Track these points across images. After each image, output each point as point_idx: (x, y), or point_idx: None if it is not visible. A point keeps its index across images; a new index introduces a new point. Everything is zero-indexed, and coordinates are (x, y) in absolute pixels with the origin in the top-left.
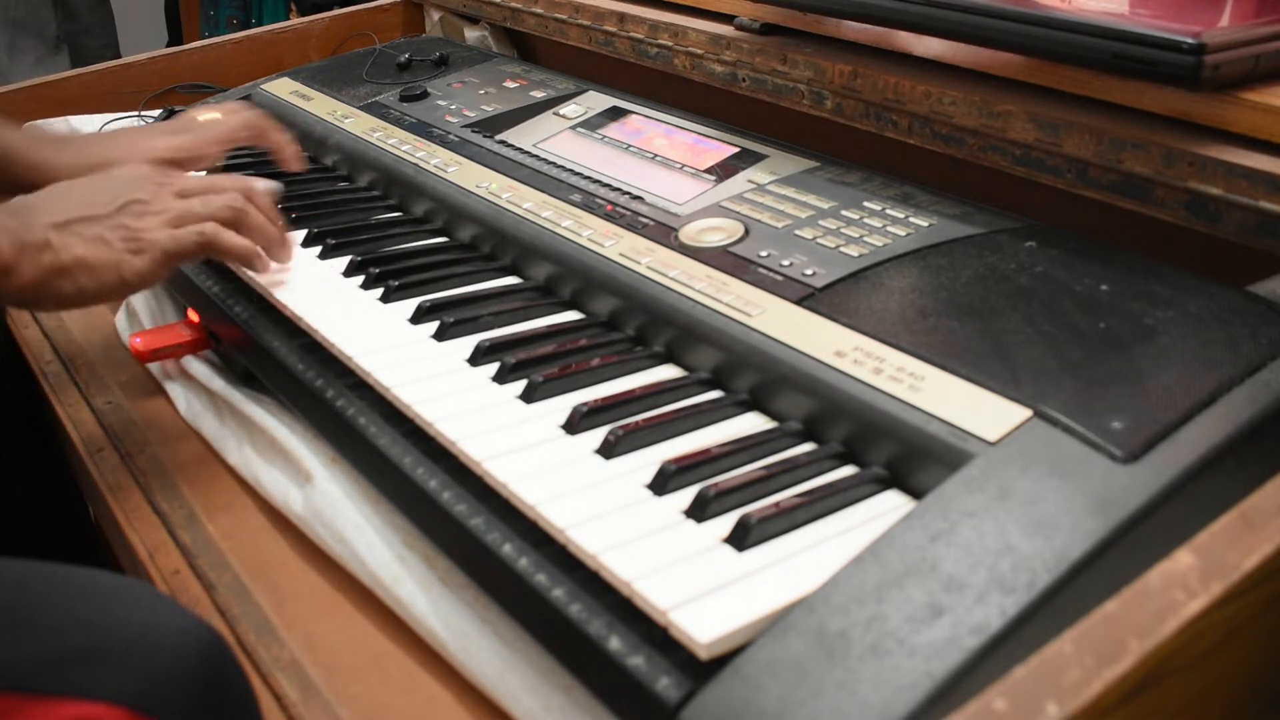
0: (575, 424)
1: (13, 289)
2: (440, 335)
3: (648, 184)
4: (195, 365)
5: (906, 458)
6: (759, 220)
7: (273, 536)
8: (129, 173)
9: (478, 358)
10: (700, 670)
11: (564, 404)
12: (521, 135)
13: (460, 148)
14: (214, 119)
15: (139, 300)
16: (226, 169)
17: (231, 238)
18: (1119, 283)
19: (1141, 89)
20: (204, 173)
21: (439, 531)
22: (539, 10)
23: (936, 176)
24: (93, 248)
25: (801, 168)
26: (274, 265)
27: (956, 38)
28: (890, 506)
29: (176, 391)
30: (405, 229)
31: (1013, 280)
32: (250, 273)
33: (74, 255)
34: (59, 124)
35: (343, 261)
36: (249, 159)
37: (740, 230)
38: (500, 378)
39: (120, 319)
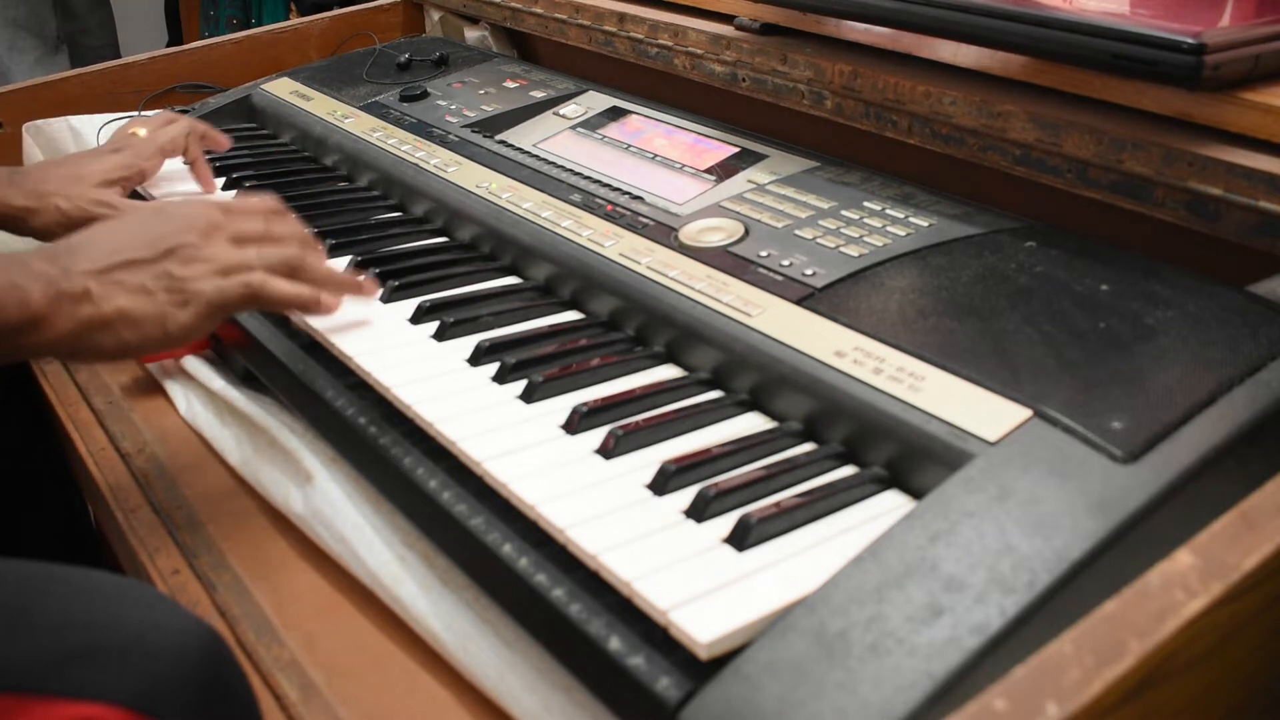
0: (575, 424)
1: (45, 342)
2: (440, 335)
3: (648, 184)
4: (195, 365)
5: (906, 458)
6: (759, 220)
7: (273, 536)
8: (185, 210)
9: (478, 358)
10: (700, 670)
11: (564, 404)
12: (521, 135)
13: (460, 148)
14: (149, 130)
15: None
16: (218, 171)
17: (281, 286)
18: (1119, 283)
19: (1141, 89)
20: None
21: (439, 531)
22: (539, 10)
23: (936, 176)
24: (135, 299)
25: (801, 168)
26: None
27: (956, 38)
28: (890, 506)
29: (176, 391)
30: (405, 229)
31: (1013, 280)
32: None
33: (115, 306)
34: (59, 124)
35: (343, 262)
36: (247, 157)
37: (740, 230)
38: (500, 378)
39: None
